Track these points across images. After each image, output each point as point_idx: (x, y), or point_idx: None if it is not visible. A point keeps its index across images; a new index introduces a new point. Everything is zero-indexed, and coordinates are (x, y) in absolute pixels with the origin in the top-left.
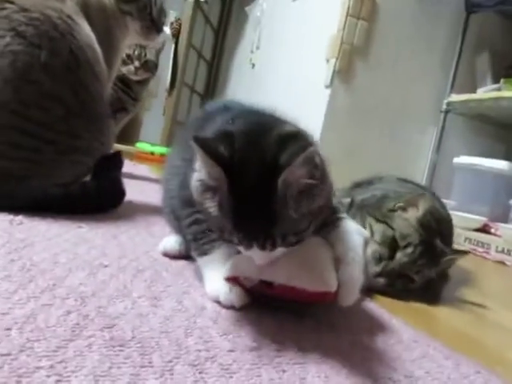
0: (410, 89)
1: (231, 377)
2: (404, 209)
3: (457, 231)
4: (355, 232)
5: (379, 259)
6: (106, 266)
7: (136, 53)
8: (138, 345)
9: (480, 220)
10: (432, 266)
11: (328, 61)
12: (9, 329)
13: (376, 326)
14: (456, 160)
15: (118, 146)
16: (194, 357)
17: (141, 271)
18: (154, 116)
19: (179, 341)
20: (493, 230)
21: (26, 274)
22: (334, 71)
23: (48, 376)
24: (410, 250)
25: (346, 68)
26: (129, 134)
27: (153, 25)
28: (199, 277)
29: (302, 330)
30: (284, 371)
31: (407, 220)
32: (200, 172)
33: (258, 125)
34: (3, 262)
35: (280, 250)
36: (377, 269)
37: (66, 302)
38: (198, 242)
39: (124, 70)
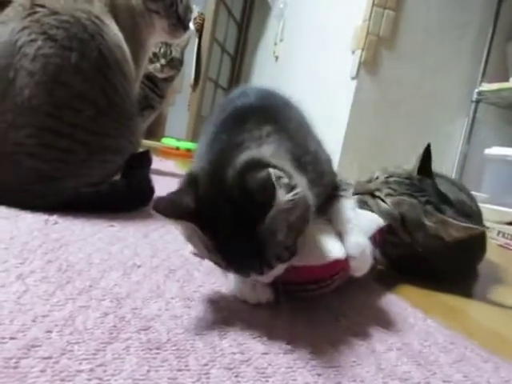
0: (438, 78)
1: (267, 380)
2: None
3: (489, 225)
4: (350, 208)
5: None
6: (139, 267)
7: (162, 51)
8: (174, 347)
9: None
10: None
11: (354, 52)
12: (49, 331)
13: (410, 327)
14: (487, 151)
15: (144, 142)
16: (230, 360)
17: (173, 271)
18: (178, 111)
19: (214, 343)
20: None
21: (63, 275)
22: (359, 62)
23: (89, 380)
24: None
25: (372, 59)
26: (154, 130)
27: (179, 22)
28: (230, 276)
29: (335, 332)
30: (319, 375)
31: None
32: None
33: (222, 155)
34: (41, 263)
35: (280, 266)
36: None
37: (102, 304)
38: None
39: (150, 68)
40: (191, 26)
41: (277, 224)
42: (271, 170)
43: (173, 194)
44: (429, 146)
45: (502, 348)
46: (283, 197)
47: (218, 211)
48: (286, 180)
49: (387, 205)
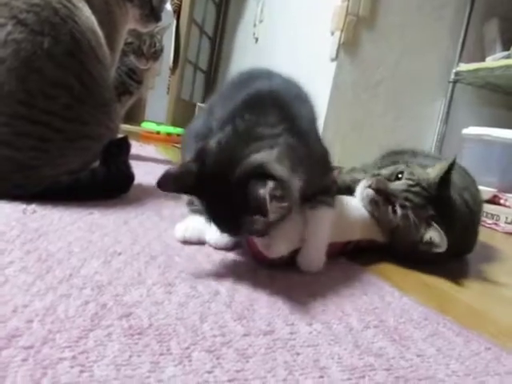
0: (417, 60)
1: (247, 361)
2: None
3: None
4: (323, 223)
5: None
6: (119, 254)
7: (147, 43)
8: (156, 332)
9: (489, 191)
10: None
11: (333, 33)
12: (30, 321)
13: (387, 305)
14: (465, 131)
15: (123, 127)
16: (211, 343)
17: (154, 257)
18: (158, 95)
19: (195, 327)
20: (502, 201)
21: (43, 265)
22: (339, 44)
23: (71, 367)
24: (410, 182)
25: (351, 40)
26: (134, 114)
27: (152, 13)
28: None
29: (312, 311)
30: (298, 354)
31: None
32: None
33: (234, 143)
34: (20, 254)
35: None
36: (369, 181)
37: (83, 292)
38: None
39: (136, 62)
40: (168, 6)
41: (259, 221)
42: (269, 186)
43: (178, 169)
44: (454, 159)
45: (474, 322)
46: (271, 213)
47: (216, 188)
48: (279, 192)
49: (396, 215)
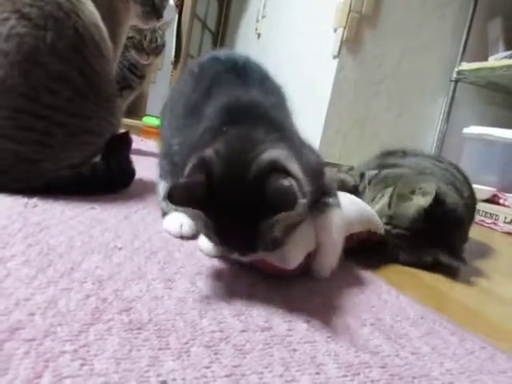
0: (419, 58)
1: (245, 357)
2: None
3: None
4: (339, 219)
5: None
6: (120, 249)
7: (147, 39)
8: (155, 327)
9: (489, 190)
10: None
11: (335, 30)
12: (32, 314)
13: (384, 303)
14: (465, 130)
15: (124, 121)
16: (209, 338)
17: (154, 253)
18: (159, 89)
19: (194, 322)
20: (502, 201)
21: (44, 259)
22: (341, 41)
23: (72, 360)
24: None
25: (353, 37)
26: (135, 108)
27: (153, 10)
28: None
29: (310, 308)
30: (295, 350)
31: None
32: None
33: (241, 145)
34: (22, 247)
35: (261, 253)
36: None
37: (84, 286)
38: None
39: (137, 56)
40: (171, 1)
41: (279, 223)
42: (293, 182)
43: (187, 181)
44: (437, 193)
45: (469, 321)
46: (299, 208)
47: (228, 199)
48: (299, 191)
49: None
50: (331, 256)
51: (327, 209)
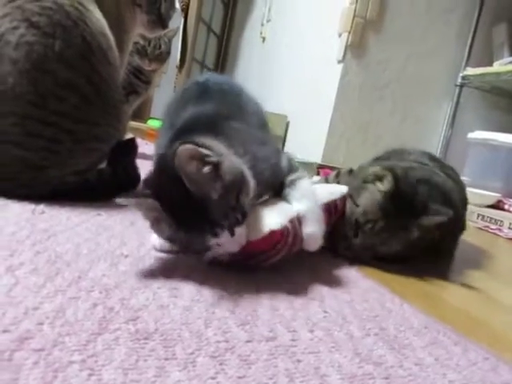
0: (424, 63)
1: (250, 368)
2: (373, 181)
3: (470, 208)
4: (308, 193)
5: (344, 236)
6: (126, 256)
7: (151, 44)
8: (162, 337)
9: (494, 196)
10: (397, 237)
11: (340, 35)
12: (41, 323)
13: (388, 313)
14: (470, 135)
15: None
16: (214, 348)
17: (159, 260)
18: (164, 92)
19: (199, 332)
20: (506, 207)
21: (52, 267)
22: (346, 45)
23: (81, 370)
24: (369, 225)
25: (358, 42)
26: (140, 112)
27: (159, 20)
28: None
29: (314, 317)
30: (299, 361)
31: (370, 192)
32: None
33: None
34: (30, 255)
35: (239, 231)
36: (341, 246)
37: (91, 295)
38: None
39: (139, 62)
40: (176, 5)
41: (208, 187)
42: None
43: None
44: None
45: (472, 330)
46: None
47: (167, 193)
48: (206, 151)
49: None
50: (314, 222)
51: (294, 183)
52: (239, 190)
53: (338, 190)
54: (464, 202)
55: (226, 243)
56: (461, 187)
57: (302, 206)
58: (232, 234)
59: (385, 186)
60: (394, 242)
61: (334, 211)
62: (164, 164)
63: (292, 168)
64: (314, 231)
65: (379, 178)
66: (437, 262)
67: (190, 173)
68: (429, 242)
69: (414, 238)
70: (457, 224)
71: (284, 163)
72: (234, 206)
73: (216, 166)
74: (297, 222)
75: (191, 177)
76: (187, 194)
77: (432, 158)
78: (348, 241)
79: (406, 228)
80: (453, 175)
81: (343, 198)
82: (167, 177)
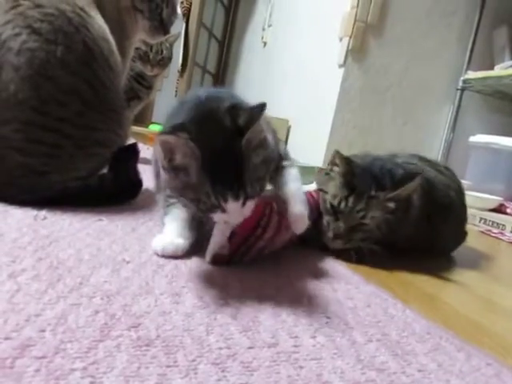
0: (425, 66)
1: (252, 374)
2: (331, 169)
3: (471, 212)
4: (295, 178)
5: (328, 225)
6: (128, 262)
7: (153, 50)
8: (163, 344)
9: (496, 200)
10: (374, 211)
11: (341, 39)
12: (43, 330)
13: (390, 318)
14: (472, 139)
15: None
16: (216, 355)
17: (161, 266)
18: (166, 97)
19: (201, 339)
20: (509, 210)
21: (54, 273)
22: (347, 50)
23: (82, 378)
24: (343, 204)
25: (359, 46)
26: (141, 116)
27: (161, 26)
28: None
29: (316, 323)
30: (301, 367)
31: (333, 179)
32: (169, 161)
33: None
34: (32, 261)
35: (249, 205)
36: (330, 234)
37: (93, 301)
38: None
39: (142, 67)
40: (178, 10)
41: (256, 151)
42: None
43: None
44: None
45: (475, 335)
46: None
47: (213, 142)
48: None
49: None
50: (299, 203)
51: (284, 169)
52: (269, 165)
53: (312, 186)
54: (461, 199)
55: (234, 212)
56: (457, 184)
57: (288, 188)
58: (245, 202)
59: (340, 168)
60: (375, 218)
61: (313, 200)
62: (215, 117)
63: (286, 156)
64: (299, 211)
65: (335, 164)
66: (432, 258)
67: (254, 131)
68: (416, 220)
69: (392, 209)
70: (454, 217)
71: (282, 150)
72: (262, 177)
73: (265, 137)
74: (282, 203)
75: (252, 135)
76: (232, 149)
77: (422, 158)
78: (333, 228)
79: (378, 198)
80: (446, 172)
81: (317, 191)
82: (217, 128)
